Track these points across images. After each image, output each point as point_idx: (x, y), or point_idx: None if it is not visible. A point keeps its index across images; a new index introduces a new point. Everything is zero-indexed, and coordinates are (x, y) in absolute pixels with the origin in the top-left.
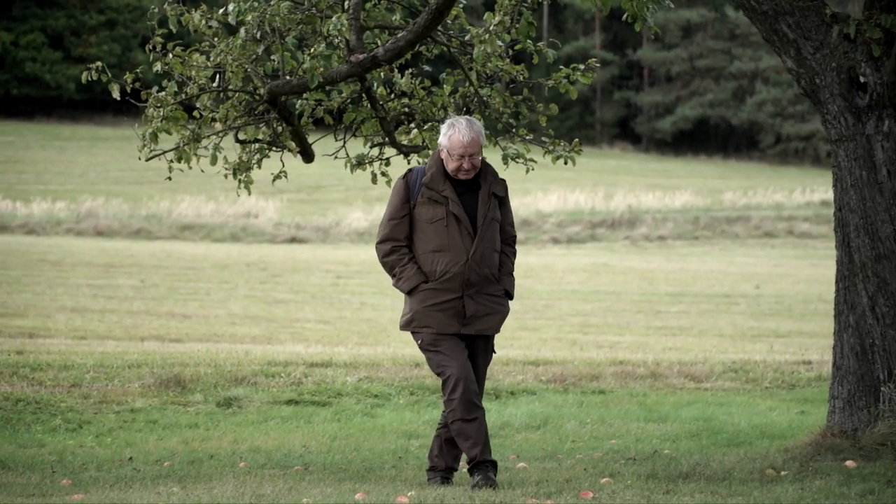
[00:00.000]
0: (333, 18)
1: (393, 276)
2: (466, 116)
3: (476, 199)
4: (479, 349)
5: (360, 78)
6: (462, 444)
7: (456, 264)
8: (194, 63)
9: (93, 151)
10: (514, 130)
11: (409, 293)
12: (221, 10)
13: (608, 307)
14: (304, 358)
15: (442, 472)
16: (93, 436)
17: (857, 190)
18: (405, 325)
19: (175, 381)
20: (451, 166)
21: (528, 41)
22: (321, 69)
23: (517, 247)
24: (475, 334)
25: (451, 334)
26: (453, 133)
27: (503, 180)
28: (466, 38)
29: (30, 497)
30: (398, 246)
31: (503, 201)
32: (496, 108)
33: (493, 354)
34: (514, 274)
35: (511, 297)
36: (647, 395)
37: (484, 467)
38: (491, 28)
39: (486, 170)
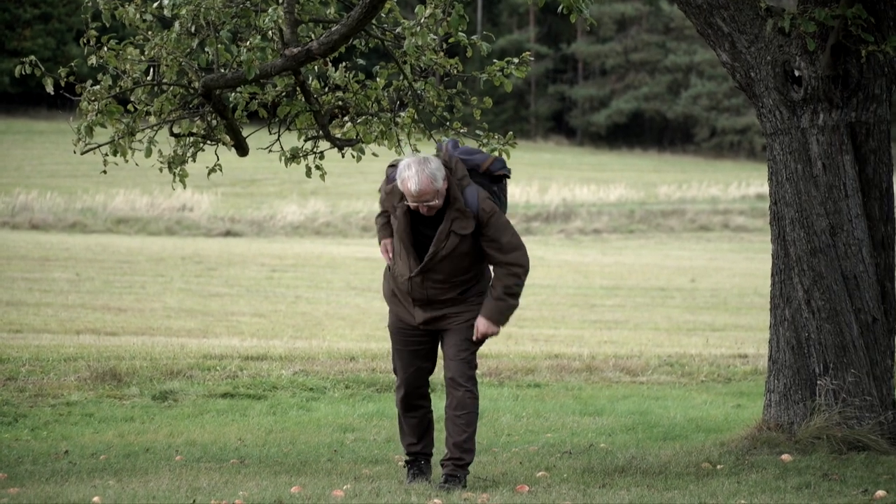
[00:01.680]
0: (270, 11)
1: None
2: (421, 158)
3: (436, 228)
4: (452, 337)
5: (295, 71)
6: (400, 434)
7: (402, 277)
8: (129, 57)
9: (27, 145)
10: (448, 124)
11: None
12: (156, 4)
13: (543, 300)
14: (239, 351)
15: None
16: (28, 429)
17: (793, 183)
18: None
19: (111, 374)
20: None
21: (462, 34)
22: (257, 62)
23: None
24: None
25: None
26: (404, 179)
27: (479, 210)
28: (400, 31)
29: None
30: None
31: (485, 228)
32: (430, 101)
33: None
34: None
35: (496, 323)
36: (583, 388)
37: (417, 464)
38: (422, 21)
39: (452, 205)
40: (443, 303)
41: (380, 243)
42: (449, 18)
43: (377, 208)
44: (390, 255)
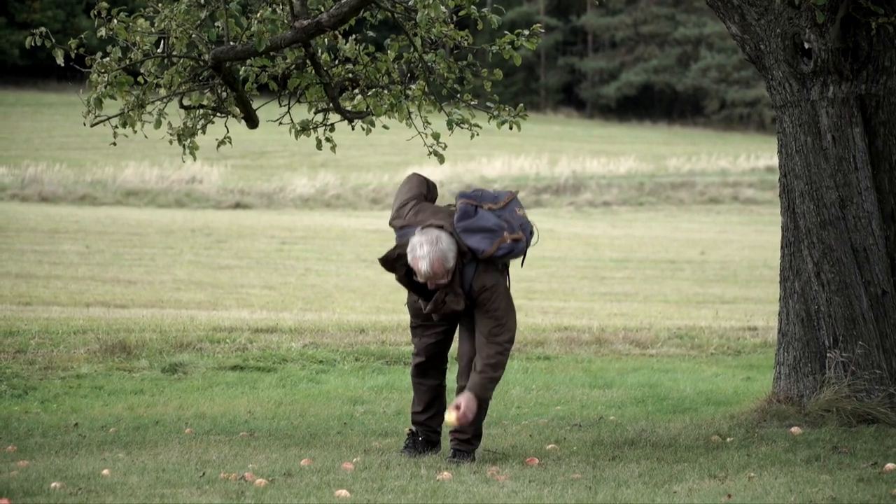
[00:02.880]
0: None
1: None
2: (433, 237)
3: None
4: (482, 319)
5: (305, 44)
6: (412, 402)
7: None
8: (138, 29)
9: (37, 117)
10: (458, 96)
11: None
12: None
13: (553, 273)
14: (249, 324)
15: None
16: (38, 402)
17: (802, 156)
18: None
19: (120, 346)
20: None
21: (472, 7)
22: (268, 33)
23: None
24: None
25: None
26: (416, 258)
27: (471, 289)
28: (410, 3)
29: None
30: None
31: (476, 302)
32: (441, 73)
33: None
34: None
35: (481, 400)
36: (593, 361)
37: (414, 439)
38: None
39: (450, 282)
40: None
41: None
42: None
43: (387, 180)
44: None
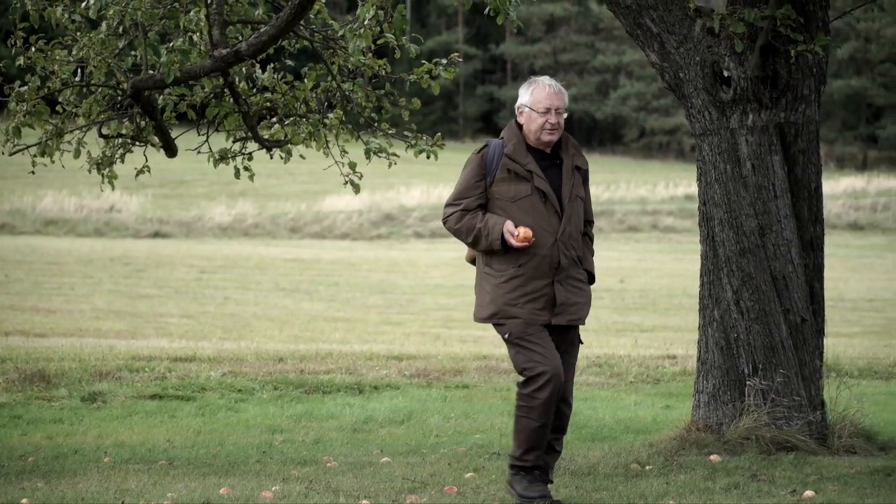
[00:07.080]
0: (191, 13)
1: (474, 237)
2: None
3: (560, 175)
4: (567, 341)
5: (223, 73)
6: (529, 444)
7: (544, 246)
8: (57, 57)
9: None
10: (376, 125)
11: (499, 246)
12: (84, 4)
13: (472, 302)
14: (167, 353)
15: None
16: None
17: (722, 184)
18: (487, 318)
19: (39, 375)
20: (534, 126)
21: (391, 35)
22: (178, 64)
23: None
24: (566, 324)
25: (540, 325)
26: (535, 87)
27: (582, 168)
28: (340, 33)
29: None
30: (470, 211)
31: (585, 179)
32: (358, 102)
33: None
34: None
35: (593, 281)
36: (512, 389)
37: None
38: (366, 22)
39: (567, 141)
40: (574, 272)
41: (485, 245)
42: (391, 20)
43: (305, 209)
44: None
